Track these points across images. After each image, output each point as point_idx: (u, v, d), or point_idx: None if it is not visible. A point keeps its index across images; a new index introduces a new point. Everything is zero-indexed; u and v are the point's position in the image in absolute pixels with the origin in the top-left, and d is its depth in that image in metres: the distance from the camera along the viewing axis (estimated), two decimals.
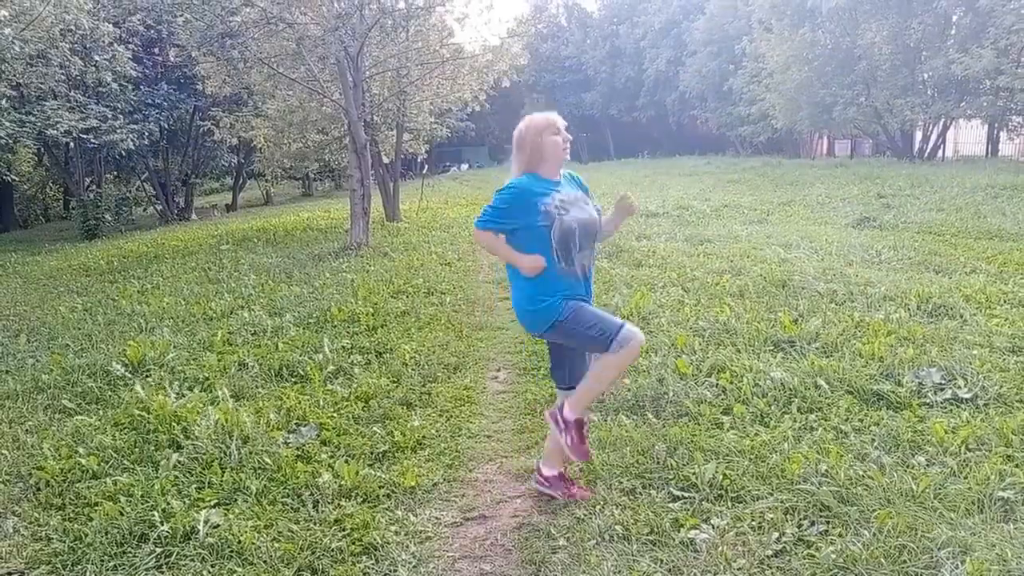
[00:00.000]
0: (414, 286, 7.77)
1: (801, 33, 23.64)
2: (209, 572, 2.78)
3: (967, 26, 20.56)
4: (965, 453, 3.28)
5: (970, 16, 20.27)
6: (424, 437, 3.97)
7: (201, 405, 4.28)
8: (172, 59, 14.88)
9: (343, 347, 5.56)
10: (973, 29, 19.97)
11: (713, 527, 2.86)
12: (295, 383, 4.87)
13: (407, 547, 2.95)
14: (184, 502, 3.24)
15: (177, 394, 4.55)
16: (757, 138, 30.97)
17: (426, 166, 21.50)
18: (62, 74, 14.01)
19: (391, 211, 15.01)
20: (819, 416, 3.80)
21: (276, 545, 2.92)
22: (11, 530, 3.16)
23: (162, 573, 2.81)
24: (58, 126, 13.88)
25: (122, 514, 3.14)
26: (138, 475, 3.54)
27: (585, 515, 3.05)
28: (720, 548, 2.72)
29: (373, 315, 6.45)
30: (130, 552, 2.93)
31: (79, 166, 19.04)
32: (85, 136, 14.92)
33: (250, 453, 3.69)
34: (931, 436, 3.44)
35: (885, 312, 5.51)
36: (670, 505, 3.07)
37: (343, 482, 3.38)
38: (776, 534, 2.79)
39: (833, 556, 2.61)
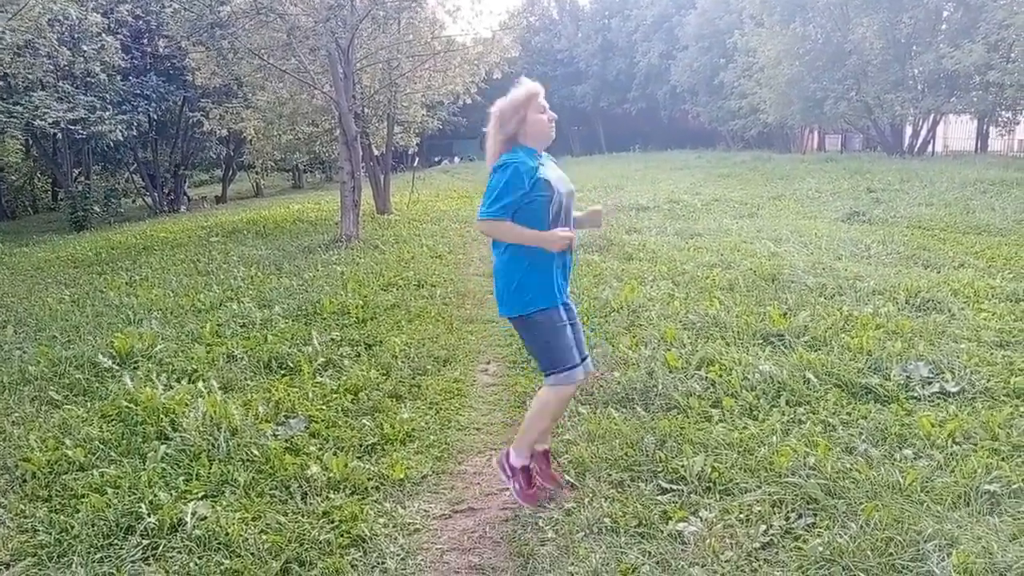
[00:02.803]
0: (404, 279, 7.76)
1: (792, 28, 23.66)
2: (196, 564, 2.77)
3: (958, 21, 20.64)
4: (952, 446, 3.30)
5: (961, 11, 20.36)
6: (413, 430, 3.96)
7: (189, 397, 4.26)
8: (161, 49, 14.75)
9: (332, 339, 5.55)
10: (964, 24, 20.05)
11: (701, 519, 2.87)
12: (284, 375, 4.85)
13: (396, 539, 2.95)
14: (171, 494, 3.23)
15: (165, 386, 4.52)
16: (748, 132, 31.02)
17: (417, 159, 21.46)
18: (50, 64, 13.90)
19: (381, 204, 14.97)
20: (807, 409, 3.82)
21: (264, 537, 2.91)
22: None
23: (149, 565, 2.80)
24: (46, 117, 13.79)
25: (109, 506, 3.12)
26: (125, 467, 3.52)
27: (574, 507, 3.06)
28: (708, 540, 2.73)
29: (363, 308, 6.43)
30: (117, 544, 2.91)
31: (67, 157, 18.89)
32: (73, 127, 14.82)
33: (238, 445, 3.68)
34: (918, 429, 3.46)
35: (874, 306, 5.53)
36: (658, 498, 3.08)
37: (332, 474, 3.37)
38: (764, 526, 2.80)
39: (820, 548, 2.62)
